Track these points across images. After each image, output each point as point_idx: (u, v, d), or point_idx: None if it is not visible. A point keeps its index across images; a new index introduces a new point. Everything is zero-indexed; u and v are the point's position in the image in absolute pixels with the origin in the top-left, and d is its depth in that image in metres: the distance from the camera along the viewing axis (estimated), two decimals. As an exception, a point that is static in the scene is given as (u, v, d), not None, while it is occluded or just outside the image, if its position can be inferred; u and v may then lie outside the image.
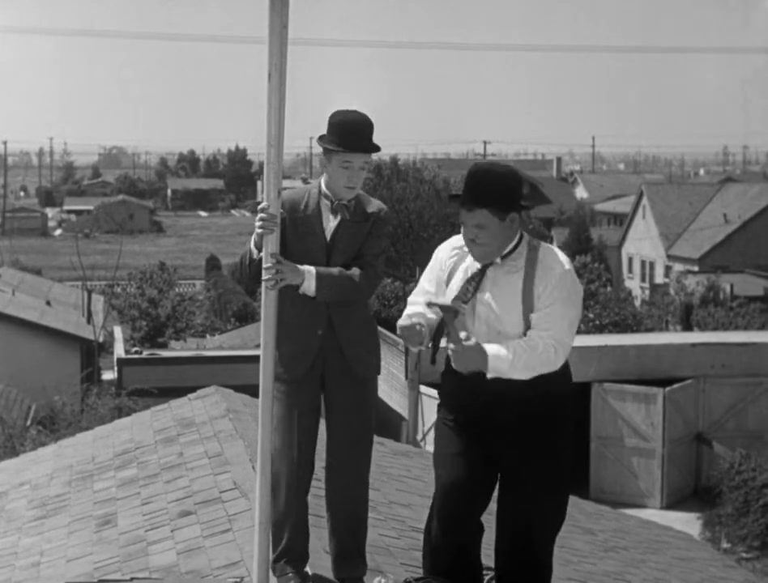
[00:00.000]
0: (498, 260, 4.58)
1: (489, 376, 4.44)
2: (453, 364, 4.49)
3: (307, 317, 4.85)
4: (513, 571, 4.70)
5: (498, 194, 4.49)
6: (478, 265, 4.60)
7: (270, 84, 4.57)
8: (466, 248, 4.65)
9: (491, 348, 4.41)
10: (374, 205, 4.98)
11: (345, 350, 4.85)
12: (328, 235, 4.88)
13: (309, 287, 4.73)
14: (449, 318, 4.46)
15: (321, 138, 4.85)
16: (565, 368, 4.63)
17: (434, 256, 4.82)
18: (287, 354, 4.87)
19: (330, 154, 4.83)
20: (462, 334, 4.42)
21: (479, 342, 4.42)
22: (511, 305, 4.51)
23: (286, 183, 4.87)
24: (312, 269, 4.74)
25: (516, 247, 4.58)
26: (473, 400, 4.59)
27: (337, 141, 4.79)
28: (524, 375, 4.44)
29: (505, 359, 4.39)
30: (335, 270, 4.77)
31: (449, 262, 4.72)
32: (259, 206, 4.71)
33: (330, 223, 4.89)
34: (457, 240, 4.76)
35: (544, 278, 4.47)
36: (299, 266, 4.73)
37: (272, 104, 4.60)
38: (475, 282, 4.58)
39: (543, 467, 4.60)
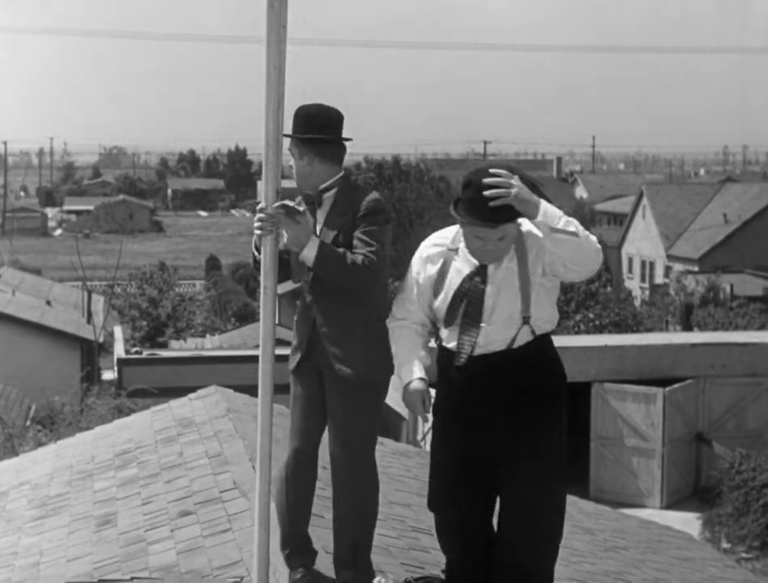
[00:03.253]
0: None
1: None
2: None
3: (305, 308, 4.87)
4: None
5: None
6: (474, 262, 4.54)
7: (269, 84, 4.56)
8: (446, 249, 4.63)
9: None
10: (362, 194, 4.84)
11: (327, 347, 4.79)
12: (316, 230, 4.79)
13: (310, 254, 4.61)
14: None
15: (316, 133, 4.76)
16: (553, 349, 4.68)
17: (412, 271, 4.72)
18: (292, 346, 4.94)
19: (324, 145, 4.78)
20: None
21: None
22: (510, 288, 4.51)
23: (287, 183, 4.85)
24: (317, 239, 4.64)
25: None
26: (470, 387, 4.66)
27: (339, 132, 4.80)
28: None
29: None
30: (341, 249, 4.64)
31: (433, 270, 4.65)
32: (258, 207, 4.68)
33: (317, 216, 4.81)
34: (430, 248, 4.69)
35: (533, 249, 4.50)
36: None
37: (270, 103, 4.58)
38: (479, 277, 4.54)
39: (538, 456, 4.60)
